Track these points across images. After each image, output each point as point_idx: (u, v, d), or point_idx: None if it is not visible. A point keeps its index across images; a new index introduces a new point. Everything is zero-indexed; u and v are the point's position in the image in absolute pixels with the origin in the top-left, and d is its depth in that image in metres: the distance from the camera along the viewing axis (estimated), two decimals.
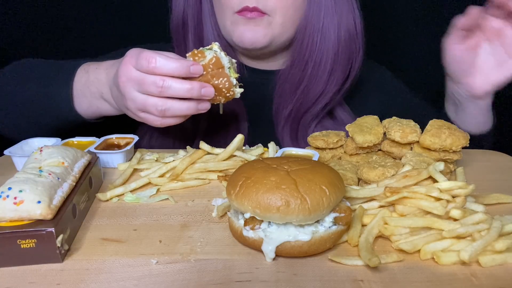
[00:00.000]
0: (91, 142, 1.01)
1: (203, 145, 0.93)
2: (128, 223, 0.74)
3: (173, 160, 0.92)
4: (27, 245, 0.61)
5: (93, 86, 0.99)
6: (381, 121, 0.95)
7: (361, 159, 0.93)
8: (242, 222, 0.66)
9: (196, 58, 0.87)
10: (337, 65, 1.10)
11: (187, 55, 0.89)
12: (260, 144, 1.03)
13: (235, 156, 0.93)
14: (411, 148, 0.90)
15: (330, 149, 0.96)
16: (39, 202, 0.62)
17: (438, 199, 0.67)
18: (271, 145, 0.98)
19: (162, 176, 0.88)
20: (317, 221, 0.64)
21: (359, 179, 0.85)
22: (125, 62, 0.86)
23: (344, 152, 0.96)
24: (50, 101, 1.03)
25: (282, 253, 0.63)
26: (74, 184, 0.73)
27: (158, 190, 0.86)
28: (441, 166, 0.74)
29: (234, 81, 0.90)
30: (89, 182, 0.81)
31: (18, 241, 0.60)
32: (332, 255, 0.63)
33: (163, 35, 1.20)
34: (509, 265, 0.61)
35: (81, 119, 1.05)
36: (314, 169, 0.66)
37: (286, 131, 1.16)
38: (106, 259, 0.64)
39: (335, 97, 1.14)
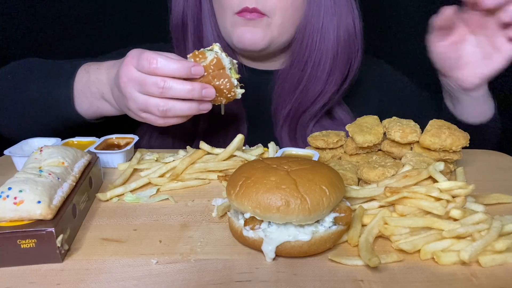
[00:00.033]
0: (91, 142, 1.01)
1: (203, 145, 0.93)
2: (128, 223, 0.74)
3: (173, 160, 0.92)
4: (27, 245, 0.61)
5: (93, 86, 1.00)
6: (382, 120, 0.95)
7: (361, 159, 0.93)
8: (242, 222, 0.66)
9: (197, 59, 0.87)
10: (336, 65, 1.10)
11: (188, 56, 0.89)
12: (260, 144, 1.03)
13: (235, 156, 0.93)
14: (411, 148, 0.90)
15: (330, 149, 0.96)
16: (39, 202, 0.62)
17: (438, 199, 0.67)
18: (271, 145, 0.98)
19: (162, 176, 0.88)
20: (317, 221, 0.64)
21: (359, 179, 0.85)
22: (126, 62, 0.86)
23: (344, 152, 0.96)
24: (50, 101, 1.03)
25: (282, 253, 0.63)
26: (74, 184, 0.73)
27: (158, 190, 0.86)
28: (441, 166, 0.74)
29: (235, 82, 0.90)
30: (89, 182, 0.81)
31: (18, 241, 0.60)
32: (332, 255, 0.63)
33: (163, 35, 1.20)
34: (509, 265, 0.61)
35: (82, 119, 1.05)
36: (314, 169, 0.66)
37: (284, 130, 1.16)
38: (106, 259, 0.64)
39: (334, 97, 1.14)
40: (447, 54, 0.98)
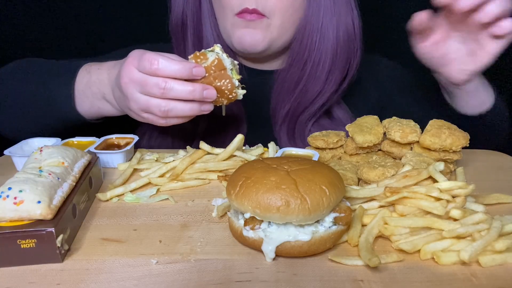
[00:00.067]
0: (91, 142, 1.01)
1: (203, 145, 0.93)
2: (128, 223, 0.74)
3: (173, 160, 0.92)
4: (27, 245, 0.61)
5: (94, 87, 1.00)
6: (381, 119, 0.95)
7: (361, 159, 0.93)
8: (242, 222, 0.66)
9: (198, 60, 0.87)
10: (336, 65, 1.10)
11: (189, 57, 0.89)
12: (260, 144, 1.03)
13: (235, 156, 0.93)
14: (411, 148, 0.90)
15: (330, 149, 0.96)
16: (39, 202, 0.62)
17: (438, 199, 0.67)
18: (271, 145, 0.98)
19: (162, 176, 0.88)
20: (317, 221, 0.64)
21: (359, 179, 0.85)
22: (128, 63, 0.86)
23: (344, 152, 0.96)
24: (51, 102, 1.03)
25: (282, 253, 0.63)
26: (74, 184, 0.73)
27: (158, 190, 0.86)
28: (441, 166, 0.74)
29: (237, 83, 0.90)
30: (89, 182, 0.81)
31: (18, 241, 0.60)
32: (332, 255, 0.63)
33: (163, 35, 1.20)
34: (509, 265, 0.61)
35: (82, 119, 1.05)
36: (314, 169, 0.66)
37: (283, 130, 1.16)
38: (106, 259, 0.64)
39: (333, 96, 1.14)
40: (431, 54, 0.97)
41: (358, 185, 0.84)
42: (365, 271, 0.60)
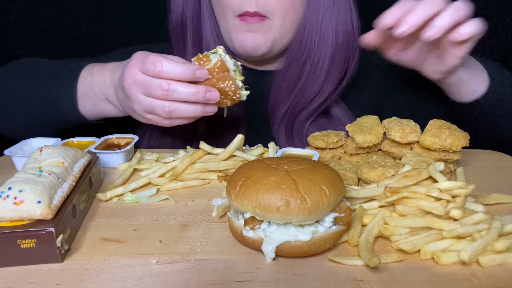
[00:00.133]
0: (91, 142, 1.01)
1: (203, 145, 0.93)
2: (128, 223, 0.74)
3: (173, 160, 0.92)
4: (27, 245, 0.61)
5: (97, 88, 1.00)
6: (379, 116, 0.95)
7: (361, 159, 0.93)
8: (242, 222, 0.66)
9: (201, 62, 0.88)
10: (335, 64, 1.10)
11: (192, 59, 0.89)
12: (260, 144, 1.03)
13: (235, 156, 0.93)
14: (411, 148, 0.90)
15: (330, 149, 0.96)
16: (39, 202, 0.62)
17: (438, 199, 0.67)
18: (271, 145, 0.98)
19: (162, 176, 0.88)
20: (317, 221, 0.64)
21: (359, 179, 0.85)
22: (131, 65, 0.87)
23: (344, 152, 0.96)
24: (52, 102, 1.03)
25: (282, 253, 0.63)
26: (74, 184, 0.73)
27: (158, 190, 0.86)
28: (441, 166, 0.74)
29: (240, 84, 0.90)
30: (89, 182, 0.81)
31: (18, 241, 0.60)
32: (332, 255, 0.63)
33: (163, 36, 1.20)
34: (509, 265, 0.61)
35: (84, 120, 1.05)
36: (314, 169, 0.66)
37: (281, 129, 1.16)
38: (106, 259, 0.64)
39: (331, 96, 1.14)
40: (399, 58, 0.96)
41: (358, 185, 0.84)
42: (365, 271, 0.60)
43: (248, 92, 0.92)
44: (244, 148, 1.01)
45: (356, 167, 0.88)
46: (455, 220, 0.66)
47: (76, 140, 1.03)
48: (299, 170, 0.65)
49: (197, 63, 0.88)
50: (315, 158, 0.90)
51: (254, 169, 0.67)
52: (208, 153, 0.93)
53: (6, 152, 0.93)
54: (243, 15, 1.03)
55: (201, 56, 0.88)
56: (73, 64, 1.05)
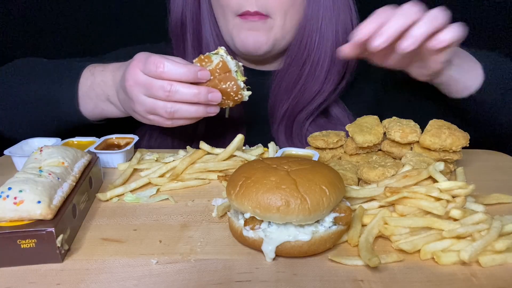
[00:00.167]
0: (91, 142, 1.01)
1: (203, 145, 0.93)
2: (128, 223, 0.74)
3: (173, 160, 0.92)
4: (27, 245, 0.61)
5: (99, 88, 1.00)
6: (377, 114, 0.95)
7: (361, 159, 0.93)
8: (242, 222, 0.66)
9: (203, 63, 0.88)
10: (334, 64, 1.10)
11: (194, 60, 0.89)
12: (260, 144, 1.03)
13: (235, 156, 0.93)
14: (411, 148, 0.90)
15: (330, 149, 0.96)
16: (39, 202, 0.62)
17: (438, 199, 0.67)
18: (271, 145, 0.98)
19: (162, 176, 0.88)
20: (317, 221, 0.64)
21: (359, 179, 0.85)
22: (133, 65, 0.87)
23: (344, 152, 0.96)
24: (53, 102, 1.03)
25: (282, 253, 0.63)
26: (74, 184, 0.73)
27: (158, 190, 0.86)
28: (441, 166, 0.74)
29: (242, 84, 0.90)
30: (89, 182, 0.81)
31: (18, 241, 0.60)
32: (332, 255, 0.63)
33: (163, 36, 1.20)
34: (509, 265, 0.61)
35: (85, 120, 1.05)
36: (314, 169, 0.66)
37: (281, 129, 1.16)
38: (106, 259, 0.64)
39: (331, 96, 1.14)
40: (383, 63, 0.94)
41: (358, 185, 0.84)
42: (365, 271, 0.60)
43: (250, 93, 0.92)
44: (244, 148, 1.01)
45: (356, 167, 0.88)
46: (455, 220, 0.66)
47: (76, 140, 1.03)
48: (299, 170, 0.65)
49: (198, 64, 0.88)
50: (315, 158, 0.90)
51: (254, 169, 0.67)
52: (208, 153, 0.93)
53: (6, 152, 0.94)
54: (243, 14, 1.03)
55: (202, 57, 0.89)
56: (74, 64, 1.05)
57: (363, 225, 0.69)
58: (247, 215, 0.64)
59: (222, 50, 0.90)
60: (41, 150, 0.76)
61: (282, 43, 1.10)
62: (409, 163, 0.79)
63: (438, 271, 0.60)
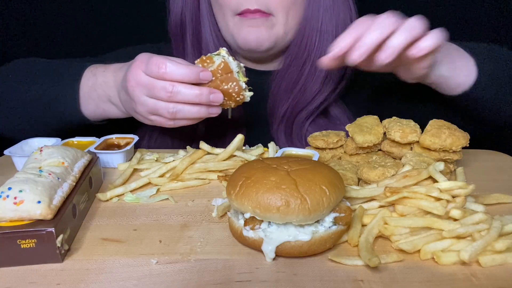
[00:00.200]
0: (91, 142, 1.01)
1: (203, 145, 0.93)
2: (128, 223, 0.74)
3: (173, 160, 0.92)
4: (27, 245, 0.60)
5: (100, 89, 1.00)
6: (376, 113, 0.95)
7: (361, 159, 0.93)
8: (242, 222, 0.66)
9: (205, 64, 0.88)
10: None
11: (196, 61, 0.90)
12: (260, 144, 1.03)
13: (235, 156, 0.93)
14: (411, 148, 0.90)
15: (330, 149, 0.96)
16: (39, 202, 0.62)
17: (438, 199, 0.67)
18: (271, 145, 0.98)
19: (162, 176, 0.88)
20: (317, 221, 0.64)
21: (359, 179, 0.85)
22: (135, 66, 0.87)
23: (344, 152, 0.96)
24: (54, 103, 1.03)
25: (282, 253, 0.63)
26: (74, 184, 0.73)
27: (158, 190, 0.86)
28: (441, 166, 0.74)
29: (244, 85, 0.90)
30: (89, 182, 0.81)
31: (18, 241, 0.60)
32: (332, 255, 0.63)
33: (163, 36, 1.20)
34: (509, 265, 0.61)
35: (87, 121, 1.05)
36: (314, 169, 0.66)
37: (281, 129, 1.16)
38: (106, 259, 0.64)
39: (331, 95, 1.14)
40: (368, 69, 0.92)
41: (358, 185, 0.84)
42: (365, 271, 0.60)
43: (251, 93, 0.93)
44: (244, 148, 1.01)
45: (356, 167, 0.88)
46: (455, 220, 0.66)
47: (76, 140, 1.03)
48: (299, 170, 0.65)
49: (200, 65, 0.88)
50: (315, 158, 0.90)
51: (254, 169, 0.67)
52: (208, 153, 0.93)
53: (6, 152, 0.94)
54: (243, 13, 1.03)
55: (204, 58, 0.89)
56: (75, 65, 1.05)
57: (363, 225, 0.69)
58: (247, 215, 0.64)
59: (223, 51, 0.90)
60: (41, 150, 0.76)
61: (284, 40, 1.10)
62: (409, 163, 0.79)
63: (438, 271, 0.60)
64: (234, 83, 0.88)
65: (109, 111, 1.03)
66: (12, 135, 1.10)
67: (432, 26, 0.80)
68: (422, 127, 0.89)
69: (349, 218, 0.66)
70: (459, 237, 0.63)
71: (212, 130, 1.16)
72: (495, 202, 0.79)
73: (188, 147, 1.03)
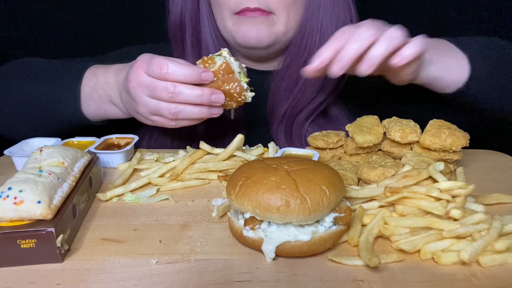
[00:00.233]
0: (91, 142, 1.01)
1: (203, 145, 0.93)
2: (128, 223, 0.74)
3: (173, 160, 0.92)
4: (27, 245, 0.60)
5: (101, 90, 1.00)
6: (375, 113, 0.95)
7: (361, 159, 0.93)
8: (242, 222, 0.66)
9: (206, 64, 0.88)
10: None
11: (197, 62, 0.90)
12: (260, 144, 1.03)
13: (235, 156, 0.93)
14: (411, 148, 0.90)
15: (330, 149, 0.96)
16: (39, 202, 0.62)
17: (438, 199, 0.67)
18: (271, 145, 0.98)
19: (162, 176, 0.88)
20: (317, 221, 0.64)
21: (359, 179, 0.85)
22: (136, 67, 0.87)
23: (344, 152, 0.96)
24: (55, 104, 1.03)
25: (282, 253, 0.63)
26: (74, 184, 0.73)
27: (158, 190, 0.86)
28: (441, 166, 0.74)
29: (245, 86, 0.90)
30: (89, 182, 0.81)
31: (18, 241, 0.60)
32: (332, 255, 0.63)
33: (163, 36, 1.20)
34: (509, 265, 0.61)
35: (88, 121, 1.05)
36: (314, 169, 0.66)
37: (281, 130, 1.16)
38: (106, 259, 0.64)
39: (331, 96, 1.14)
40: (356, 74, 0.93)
41: (358, 185, 0.84)
42: (365, 271, 0.60)
43: (253, 94, 0.93)
44: (244, 148, 1.01)
45: (356, 167, 0.88)
46: (455, 220, 0.66)
47: (76, 140, 1.03)
48: (299, 170, 0.65)
49: (202, 65, 0.89)
50: (315, 158, 0.90)
51: (254, 169, 0.67)
52: (208, 153, 0.93)
53: (6, 152, 0.94)
54: (242, 11, 1.03)
55: (206, 58, 0.89)
56: (76, 65, 1.05)
57: (363, 225, 0.69)
58: (247, 215, 0.64)
59: (225, 52, 0.90)
60: (41, 150, 0.76)
61: (284, 38, 1.10)
62: (409, 163, 0.79)
63: (438, 271, 0.60)
64: (236, 84, 0.89)
65: (110, 111, 1.03)
66: (12, 135, 1.10)
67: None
68: (422, 127, 0.89)
69: (349, 218, 0.66)
70: (459, 237, 0.63)
71: (212, 130, 1.16)
72: (495, 202, 0.79)
73: (188, 147, 1.03)
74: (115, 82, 0.98)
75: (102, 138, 1.02)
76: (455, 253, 0.61)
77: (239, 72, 0.89)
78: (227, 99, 0.90)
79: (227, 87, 0.88)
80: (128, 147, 0.98)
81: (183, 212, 0.78)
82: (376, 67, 0.78)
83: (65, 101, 1.02)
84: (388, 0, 1.59)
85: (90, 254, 0.65)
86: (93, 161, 0.85)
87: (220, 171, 0.91)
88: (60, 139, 1.01)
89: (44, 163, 0.73)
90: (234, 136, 0.92)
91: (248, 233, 0.64)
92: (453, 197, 0.69)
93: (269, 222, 0.64)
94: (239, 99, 0.91)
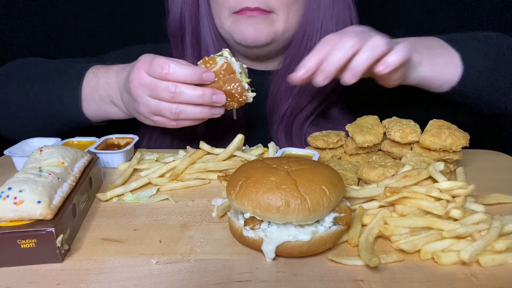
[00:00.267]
0: (91, 142, 1.01)
1: (203, 145, 0.93)
2: (128, 223, 0.74)
3: (173, 160, 0.92)
4: (27, 245, 0.61)
5: (102, 90, 1.00)
6: (375, 113, 0.95)
7: (361, 159, 0.93)
8: (242, 222, 0.66)
9: (208, 65, 0.88)
10: None
11: (199, 62, 0.90)
12: (260, 144, 1.03)
13: (235, 156, 0.93)
14: (411, 148, 0.90)
15: (330, 149, 0.96)
16: (39, 202, 0.62)
17: (438, 199, 0.67)
18: (271, 145, 0.98)
19: (162, 176, 0.88)
20: (317, 221, 0.64)
21: (359, 179, 0.85)
22: (138, 67, 0.87)
23: (344, 152, 0.96)
24: (56, 104, 1.03)
25: (282, 253, 0.63)
26: (74, 184, 0.73)
27: (158, 190, 0.86)
28: (441, 166, 0.74)
29: (246, 86, 0.91)
30: (89, 182, 0.81)
31: (18, 241, 0.60)
32: (332, 255, 0.63)
33: (163, 36, 1.20)
34: (509, 265, 0.61)
35: (88, 122, 1.05)
36: (314, 169, 0.66)
37: (280, 130, 1.16)
38: (106, 259, 0.64)
39: (330, 95, 1.14)
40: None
41: (358, 185, 0.84)
42: (365, 271, 0.60)
43: (254, 94, 0.93)
44: (244, 148, 1.01)
45: (356, 167, 0.88)
46: (455, 220, 0.66)
47: (76, 140, 1.03)
48: (299, 170, 0.65)
49: (203, 65, 0.89)
50: (315, 158, 0.90)
51: (254, 169, 0.67)
52: (208, 153, 0.93)
53: (6, 152, 0.94)
54: (241, 11, 1.03)
55: (207, 59, 0.89)
56: (76, 66, 1.05)
57: (363, 225, 0.69)
58: (247, 215, 0.64)
59: (226, 52, 0.90)
60: (41, 150, 0.76)
61: (283, 37, 1.10)
62: (409, 163, 0.79)
63: (438, 271, 0.60)
64: (237, 84, 0.89)
65: (111, 112, 1.03)
66: (12, 135, 1.10)
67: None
68: (422, 127, 0.89)
69: (349, 218, 0.66)
70: (459, 237, 0.63)
71: (212, 130, 1.16)
72: (495, 202, 0.79)
73: (188, 147, 1.03)
74: (116, 82, 0.98)
75: (102, 138, 1.02)
76: (455, 253, 0.61)
77: (240, 73, 0.89)
78: (228, 99, 0.90)
79: (228, 88, 0.89)
80: (128, 147, 0.98)
81: (183, 212, 0.78)
82: (360, 76, 0.80)
83: (66, 101, 1.02)
84: (388, 0, 1.59)
85: (90, 254, 0.65)
86: (93, 161, 0.85)
87: (220, 171, 0.91)
88: (60, 139, 1.01)
89: (44, 163, 0.73)
90: (234, 136, 0.93)
91: (248, 233, 0.64)
92: (453, 197, 0.69)
93: (269, 222, 0.64)
94: (240, 100, 0.91)
